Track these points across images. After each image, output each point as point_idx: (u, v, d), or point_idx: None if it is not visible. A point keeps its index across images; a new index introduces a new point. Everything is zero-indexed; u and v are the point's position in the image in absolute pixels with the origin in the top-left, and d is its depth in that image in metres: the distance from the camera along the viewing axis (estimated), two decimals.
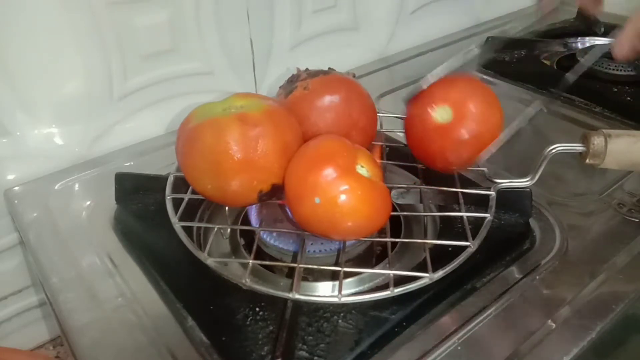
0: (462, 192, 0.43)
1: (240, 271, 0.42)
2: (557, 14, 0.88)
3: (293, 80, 0.44)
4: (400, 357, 0.34)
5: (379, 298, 0.35)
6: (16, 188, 0.51)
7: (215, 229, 0.43)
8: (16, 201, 0.50)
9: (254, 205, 0.46)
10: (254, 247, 0.40)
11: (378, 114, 0.45)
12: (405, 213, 0.45)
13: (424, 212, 0.46)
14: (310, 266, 0.40)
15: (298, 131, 0.39)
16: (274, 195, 0.38)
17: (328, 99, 0.42)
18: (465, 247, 0.38)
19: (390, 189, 0.41)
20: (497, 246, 0.41)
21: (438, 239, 0.42)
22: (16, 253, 0.56)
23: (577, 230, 0.44)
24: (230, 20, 0.59)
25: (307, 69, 0.45)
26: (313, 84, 0.42)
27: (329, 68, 0.45)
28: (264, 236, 0.43)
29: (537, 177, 0.43)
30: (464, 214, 0.41)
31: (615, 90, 0.63)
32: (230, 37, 0.60)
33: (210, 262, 0.37)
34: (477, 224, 0.40)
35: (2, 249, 0.55)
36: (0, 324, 0.58)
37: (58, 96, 0.52)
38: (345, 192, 0.34)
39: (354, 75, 0.45)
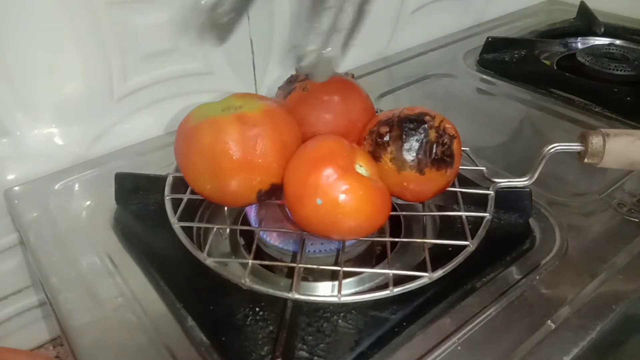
0: (461, 192, 0.43)
1: (240, 271, 0.42)
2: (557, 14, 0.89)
3: (292, 81, 0.44)
4: (400, 357, 0.34)
5: (379, 298, 0.35)
6: (16, 188, 0.51)
7: (215, 229, 0.43)
8: (16, 201, 0.50)
9: (253, 205, 0.46)
10: (254, 247, 0.40)
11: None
12: (405, 213, 0.45)
13: (424, 211, 0.46)
14: (310, 266, 0.40)
15: (296, 131, 0.39)
16: (273, 195, 0.38)
17: (327, 100, 0.42)
18: (465, 246, 0.38)
19: None
20: (497, 246, 0.41)
21: (437, 238, 0.42)
22: (16, 253, 0.56)
23: (577, 230, 0.44)
24: None
25: None
26: (312, 85, 0.42)
27: None
28: (264, 236, 0.43)
29: (535, 176, 0.43)
30: (463, 214, 0.41)
31: (615, 90, 0.63)
32: (230, 37, 0.60)
33: (209, 262, 0.37)
34: (476, 223, 0.40)
35: (2, 249, 0.55)
36: (0, 324, 0.58)
37: (58, 96, 0.52)
38: (346, 192, 0.34)
39: (352, 76, 0.45)
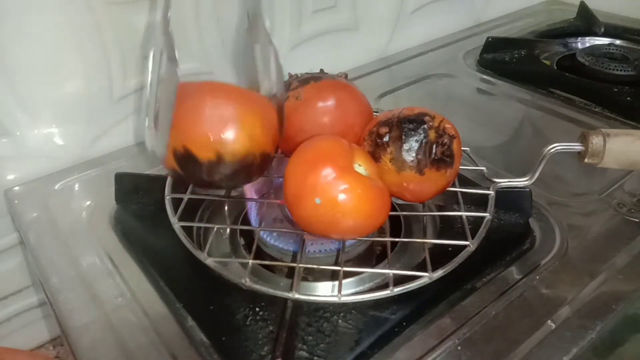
0: (461, 192, 0.43)
1: (240, 271, 0.42)
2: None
3: (285, 89, 0.43)
4: (400, 357, 0.34)
5: (379, 297, 0.35)
6: (16, 188, 0.51)
7: (215, 229, 0.43)
8: (16, 201, 0.50)
9: (253, 205, 0.46)
10: (254, 247, 0.40)
11: (375, 114, 0.45)
12: (405, 213, 0.45)
13: (424, 211, 0.46)
14: (310, 266, 0.40)
15: (237, 102, 0.37)
16: (197, 170, 0.36)
17: (321, 107, 0.41)
18: (465, 246, 0.38)
19: None
20: (497, 246, 0.41)
21: (438, 238, 0.42)
22: (16, 253, 0.56)
23: (577, 230, 0.44)
24: (230, 20, 0.59)
25: (297, 75, 0.44)
26: (305, 93, 0.41)
27: (320, 70, 0.45)
28: (264, 236, 0.43)
29: (535, 176, 0.43)
30: (463, 214, 0.41)
31: (615, 90, 0.63)
32: (230, 37, 0.60)
33: (209, 262, 0.37)
34: (476, 223, 0.40)
35: (2, 249, 0.55)
36: (0, 324, 0.58)
37: (58, 96, 0.52)
38: (345, 192, 0.34)
39: (346, 76, 0.45)
